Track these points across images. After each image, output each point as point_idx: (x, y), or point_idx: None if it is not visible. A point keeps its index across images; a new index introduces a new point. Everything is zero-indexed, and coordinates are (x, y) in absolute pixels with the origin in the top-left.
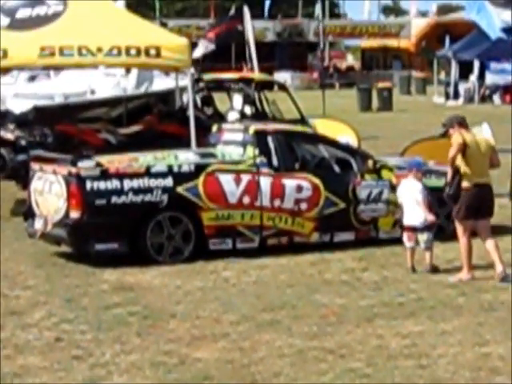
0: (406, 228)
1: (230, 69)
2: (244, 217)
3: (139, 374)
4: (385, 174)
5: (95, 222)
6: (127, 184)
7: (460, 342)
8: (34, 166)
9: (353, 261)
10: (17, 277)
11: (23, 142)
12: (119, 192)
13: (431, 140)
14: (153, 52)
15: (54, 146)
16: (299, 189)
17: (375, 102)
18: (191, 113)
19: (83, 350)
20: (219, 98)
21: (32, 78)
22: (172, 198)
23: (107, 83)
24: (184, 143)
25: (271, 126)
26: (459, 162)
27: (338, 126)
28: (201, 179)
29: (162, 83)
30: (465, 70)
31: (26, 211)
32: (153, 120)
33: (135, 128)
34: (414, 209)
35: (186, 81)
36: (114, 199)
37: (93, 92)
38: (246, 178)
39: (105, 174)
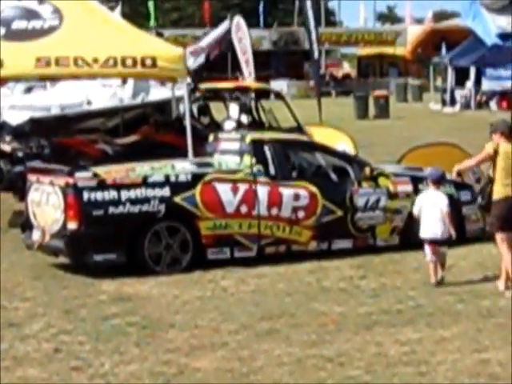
0: (428, 241)
1: (226, 78)
2: (242, 226)
3: None
4: (382, 181)
5: (93, 232)
6: (124, 194)
7: (459, 348)
8: (31, 177)
9: (351, 268)
10: (15, 288)
11: (20, 154)
12: (116, 202)
13: (428, 147)
14: (149, 62)
15: (50, 158)
16: (296, 197)
17: (372, 110)
18: (188, 122)
19: (82, 361)
20: (216, 108)
21: (28, 90)
22: (169, 207)
23: (103, 94)
24: (181, 153)
25: (268, 135)
26: (491, 171)
27: (334, 134)
28: (198, 189)
29: (158, 93)
30: (461, 77)
31: (23, 223)
32: (149, 130)
33: (132, 138)
34: (436, 221)
35: (182, 91)
36: (112, 210)
37: (89, 103)
38: (243, 187)
39: (102, 185)
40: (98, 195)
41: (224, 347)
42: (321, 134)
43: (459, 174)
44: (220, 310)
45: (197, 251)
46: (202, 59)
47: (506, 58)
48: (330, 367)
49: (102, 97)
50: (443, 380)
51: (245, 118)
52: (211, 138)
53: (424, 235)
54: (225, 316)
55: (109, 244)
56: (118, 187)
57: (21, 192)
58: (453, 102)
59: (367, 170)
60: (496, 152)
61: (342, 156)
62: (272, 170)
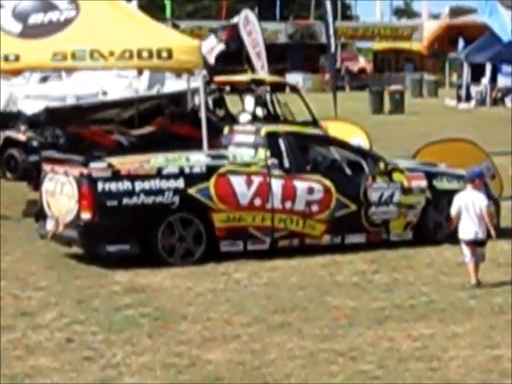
0: (467, 242)
1: (242, 71)
2: (255, 219)
3: (150, 375)
4: (396, 176)
5: (106, 223)
6: (138, 185)
7: (471, 344)
8: (46, 167)
9: (364, 263)
10: (28, 278)
11: (35, 143)
12: (130, 193)
13: (443, 143)
14: (165, 54)
15: (65, 148)
16: (310, 191)
17: (387, 105)
18: (203, 114)
19: (94, 351)
20: (231, 100)
21: (44, 79)
22: (183, 199)
23: (119, 85)
24: (195, 145)
25: (283, 128)
26: None
27: (349, 129)
28: (212, 181)
29: (173, 85)
30: (477, 73)
31: (37, 212)
32: (164, 121)
33: (147, 129)
34: (476, 222)
35: (197, 82)
36: (126, 200)
37: (105, 93)
38: (257, 179)
39: (116, 175)
40: (113, 186)
41: (236, 340)
42: (336, 128)
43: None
44: (232, 302)
45: (210, 243)
46: (221, 46)
47: None
48: (342, 361)
49: (118, 87)
50: (455, 376)
51: (260, 111)
52: (226, 130)
53: (464, 236)
54: (237, 308)
55: (122, 235)
56: (133, 178)
57: (35, 181)
58: (468, 98)
59: (381, 165)
60: None
61: (357, 150)
62: (286, 163)
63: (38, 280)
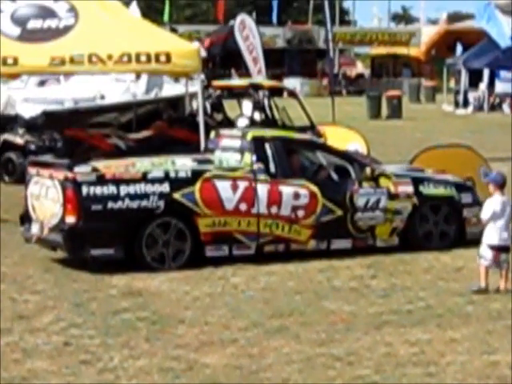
0: (492, 247)
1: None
2: (241, 224)
3: (147, 379)
4: (382, 181)
5: (91, 227)
6: (123, 189)
7: (468, 350)
8: (31, 170)
9: (361, 268)
10: (25, 281)
11: (32, 147)
12: (115, 197)
13: (441, 148)
14: (163, 58)
15: (63, 151)
16: (296, 196)
17: (384, 110)
18: (201, 119)
19: (91, 355)
20: (229, 105)
21: (42, 83)
22: (168, 203)
23: (117, 88)
24: (193, 149)
25: (269, 133)
26: None
27: (347, 134)
28: (197, 185)
29: (171, 89)
30: (474, 79)
31: (22, 216)
32: (162, 125)
33: (145, 133)
34: (504, 228)
35: (195, 87)
36: (111, 204)
37: (102, 97)
38: (242, 184)
39: (101, 180)
40: (97, 190)
41: (233, 344)
42: (334, 133)
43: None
44: (230, 306)
45: (195, 248)
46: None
47: None
48: (339, 366)
49: (116, 91)
50: (452, 381)
51: (258, 116)
52: (213, 134)
53: (490, 241)
54: (234, 313)
55: (107, 239)
56: (118, 182)
57: None
58: (466, 103)
59: (368, 170)
60: None
61: (343, 155)
62: (272, 168)
63: (36, 283)
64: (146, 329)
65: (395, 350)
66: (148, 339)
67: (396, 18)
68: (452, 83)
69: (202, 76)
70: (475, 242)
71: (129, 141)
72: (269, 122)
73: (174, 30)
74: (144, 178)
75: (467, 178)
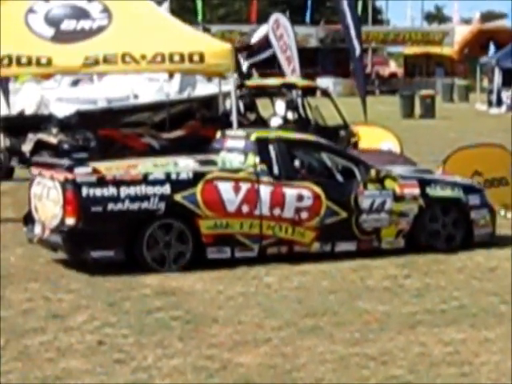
0: None
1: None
2: (243, 226)
3: (181, 379)
4: (388, 183)
5: (91, 229)
6: (124, 191)
7: (502, 349)
8: (34, 170)
9: (395, 268)
10: (59, 280)
11: (66, 146)
12: (115, 199)
13: (474, 148)
14: (196, 58)
15: (96, 151)
16: (300, 198)
17: (418, 109)
18: (234, 118)
19: (125, 354)
20: (262, 104)
21: (75, 83)
22: (169, 205)
23: (150, 88)
24: None
25: (273, 134)
26: None
27: (380, 133)
28: (199, 187)
29: (204, 88)
30: (508, 78)
31: (25, 216)
32: (195, 125)
33: (178, 133)
34: None
35: (229, 86)
36: (111, 206)
37: (136, 97)
38: (245, 186)
39: (101, 181)
40: (97, 191)
41: (267, 343)
42: (367, 133)
43: None
44: (263, 306)
45: (197, 250)
46: (268, 53)
47: None
48: (373, 366)
49: (149, 91)
50: (486, 381)
51: (291, 115)
52: (218, 135)
53: None
54: (268, 312)
55: (107, 241)
56: (118, 184)
57: None
58: (499, 102)
59: (373, 172)
60: None
61: (349, 157)
62: (276, 170)
63: (70, 282)
64: (179, 328)
65: (429, 349)
66: (181, 338)
67: (429, 17)
68: (485, 82)
69: (235, 75)
70: (485, 244)
71: (162, 140)
72: (302, 122)
73: (206, 30)
74: (145, 180)
75: (501, 177)
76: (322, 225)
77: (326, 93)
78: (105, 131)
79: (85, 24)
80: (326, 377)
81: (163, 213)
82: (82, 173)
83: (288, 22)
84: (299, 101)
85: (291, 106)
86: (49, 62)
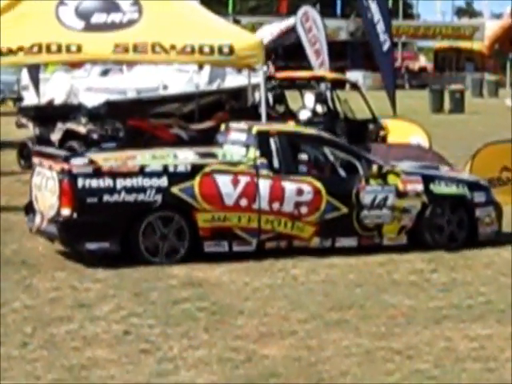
0: None
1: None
2: (241, 219)
3: (206, 370)
4: (391, 179)
5: (86, 220)
6: (120, 183)
7: None
8: (35, 160)
9: (422, 262)
10: (86, 269)
11: (95, 136)
12: (111, 190)
13: (503, 143)
14: (226, 50)
15: (125, 141)
16: (300, 192)
17: (447, 104)
18: (263, 110)
19: (151, 344)
20: (291, 96)
21: (105, 73)
22: (166, 197)
23: (180, 79)
24: None
25: (275, 127)
26: None
27: (409, 127)
28: (197, 180)
29: (234, 80)
30: None
31: (26, 206)
32: (224, 116)
33: (207, 124)
34: None
35: (258, 78)
36: (106, 198)
37: (165, 87)
38: (244, 179)
39: (97, 172)
40: (93, 182)
41: (293, 336)
42: (395, 127)
43: None
44: (290, 298)
45: (194, 243)
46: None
47: None
48: (399, 360)
49: (178, 82)
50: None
51: (320, 108)
52: (222, 127)
53: None
54: (294, 305)
55: (102, 232)
56: (114, 175)
57: None
58: None
59: (375, 167)
60: None
61: (352, 151)
62: (276, 164)
63: (96, 272)
64: (205, 319)
65: (455, 344)
66: (207, 329)
67: (460, 11)
68: None
69: (265, 68)
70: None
71: (191, 131)
72: (331, 115)
73: (237, 22)
74: (141, 172)
75: None
76: (322, 220)
77: (355, 86)
78: (134, 121)
79: (115, 17)
80: (351, 370)
81: (160, 205)
82: (78, 164)
83: (318, 15)
84: (328, 94)
85: (320, 98)
86: (78, 49)
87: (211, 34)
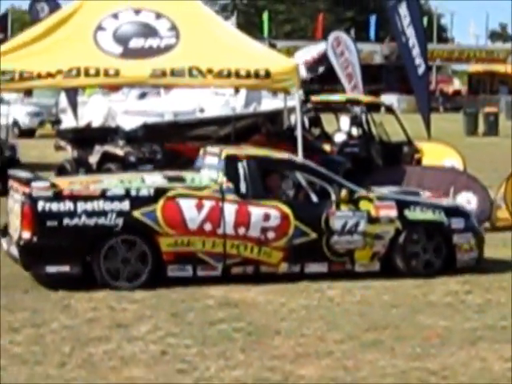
0: None
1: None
2: (205, 244)
3: None
4: (363, 204)
5: (46, 243)
6: (81, 206)
7: None
8: (11, 183)
9: (457, 283)
10: (124, 290)
11: (132, 158)
12: (72, 214)
13: None
14: (262, 73)
15: (162, 163)
16: (266, 217)
17: (481, 127)
18: (299, 133)
19: (188, 364)
20: (327, 119)
21: (142, 96)
22: (128, 221)
23: (216, 102)
24: None
25: (244, 151)
26: None
27: (443, 150)
28: (160, 204)
29: (270, 103)
30: None
31: (3, 228)
32: (261, 139)
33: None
34: None
35: (293, 101)
36: (67, 221)
37: (202, 110)
38: (208, 204)
39: (58, 196)
40: (53, 206)
41: (329, 356)
42: (430, 150)
43: None
44: (326, 319)
45: (157, 267)
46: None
47: None
48: (434, 380)
49: (215, 105)
50: None
51: (355, 131)
52: (201, 152)
53: None
54: (330, 325)
55: (62, 256)
56: (75, 199)
57: None
58: None
59: (344, 193)
60: None
61: (323, 176)
62: (243, 188)
63: (134, 293)
64: (242, 339)
65: (490, 365)
66: (244, 350)
67: (493, 35)
68: None
69: (301, 91)
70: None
71: None
72: (366, 137)
73: (272, 46)
74: (103, 196)
75: None
76: (291, 245)
77: (390, 109)
78: (171, 144)
79: (153, 42)
80: None
81: (121, 229)
82: (38, 187)
83: (350, 39)
84: (363, 117)
85: (355, 121)
86: (116, 73)
87: (247, 57)
